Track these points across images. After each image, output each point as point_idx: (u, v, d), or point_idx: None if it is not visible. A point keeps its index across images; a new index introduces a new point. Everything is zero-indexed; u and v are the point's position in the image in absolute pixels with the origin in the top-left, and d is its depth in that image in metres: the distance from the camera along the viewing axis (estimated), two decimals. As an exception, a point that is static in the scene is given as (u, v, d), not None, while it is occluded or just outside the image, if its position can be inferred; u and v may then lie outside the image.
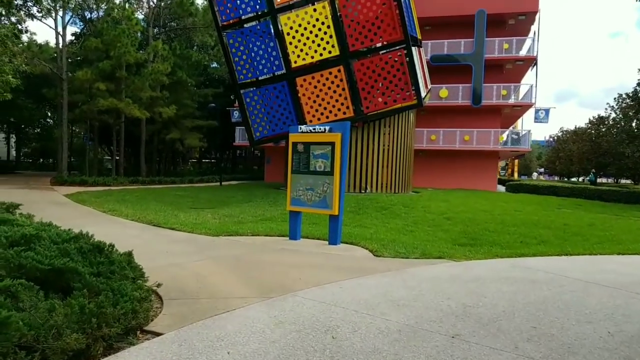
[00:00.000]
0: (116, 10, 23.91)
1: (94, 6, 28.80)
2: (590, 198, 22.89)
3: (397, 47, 17.84)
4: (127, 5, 27.02)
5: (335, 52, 18.09)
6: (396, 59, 17.90)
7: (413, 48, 18.01)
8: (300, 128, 8.79)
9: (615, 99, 45.42)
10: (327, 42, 18.11)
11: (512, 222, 13.07)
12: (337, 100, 18.45)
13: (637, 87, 32.51)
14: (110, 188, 21.11)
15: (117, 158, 30.42)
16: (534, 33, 30.70)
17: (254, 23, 19.32)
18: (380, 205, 15.21)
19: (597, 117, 49.91)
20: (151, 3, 32.59)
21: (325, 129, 8.48)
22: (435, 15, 29.07)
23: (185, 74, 30.87)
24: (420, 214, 14.02)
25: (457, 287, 5.30)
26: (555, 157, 61.62)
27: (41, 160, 53.38)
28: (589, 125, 53.24)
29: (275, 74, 19.24)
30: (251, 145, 21.61)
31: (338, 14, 18.07)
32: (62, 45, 23.85)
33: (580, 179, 69.38)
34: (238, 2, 18.80)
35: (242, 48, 19.12)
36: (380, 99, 18.31)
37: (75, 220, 10.76)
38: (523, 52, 30.59)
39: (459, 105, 29.34)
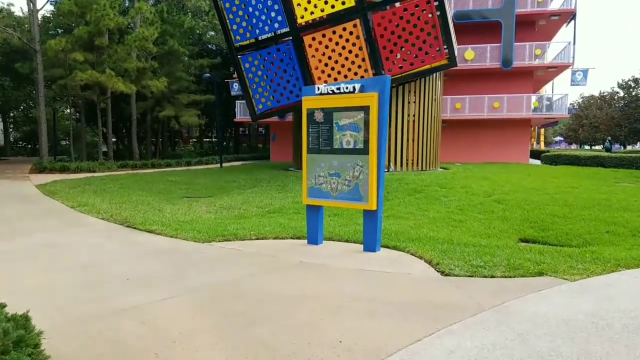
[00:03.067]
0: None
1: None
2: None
3: (424, -6, 15.14)
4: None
5: (350, 2, 15.43)
6: (424, 9, 15.21)
7: (442, -4, 15.30)
8: (318, 88, 6.40)
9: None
10: (340, -8, 15.44)
11: (578, 204, 10.70)
12: (353, 62, 15.88)
13: None
14: (93, 175, 18.88)
15: (105, 140, 28.10)
16: (570, -18, 27.59)
17: (250, -28, 16.62)
18: (412, 187, 12.85)
19: (630, 79, 46.61)
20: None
21: (355, 87, 6.07)
22: (456, -34, 26.04)
23: (177, 43, 28.21)
24: (462, 197, 11.67)
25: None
26: (577, 124, 58.58)
27: (32, 144, 51.34)
28: (620, 88, 50.02)
29: (278, 32, 16.65)
30: (253, 120, 19.18)
31: (352, -45, 15.34)
32: (33, 10, 21.26)
33: (596, 147, 66.33)
34: (231, -52, 16.09)
35: (237, 2, 16.49)
36: (405, 59, 15.70)
37: (28, 222, 8.53)
38: (556, 6, 27.57)
39: (486, 68, 26.53)
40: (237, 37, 16.97)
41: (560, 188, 13.33)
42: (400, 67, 15.66)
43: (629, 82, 46.54)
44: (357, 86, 6.07)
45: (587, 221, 9.13)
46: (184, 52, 29.29)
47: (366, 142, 5.98)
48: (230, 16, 16.73)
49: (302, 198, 6.85)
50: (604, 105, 55.51)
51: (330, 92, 6.26)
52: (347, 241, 6.81)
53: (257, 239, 6.99)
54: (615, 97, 53.83)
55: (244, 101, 22.89)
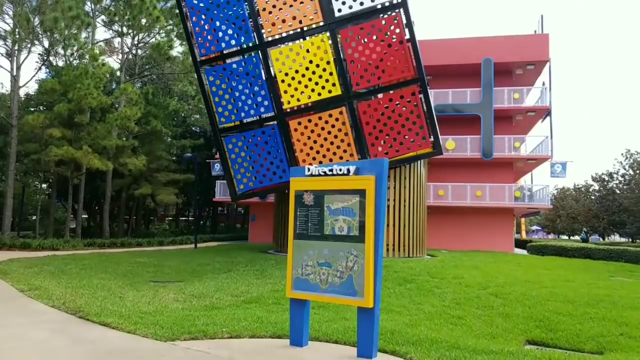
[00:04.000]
0: (80, 48, 21.31)
1: (62, 50, 26.36)
2: (634, 261, 20.06)
3: (411, 85, 15.42)
4: (95, 46, 24.62)
5: (337, 91, 15.57)
6: (409, 99, 15.41)
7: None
8: (309, 169, 5.85)
9: (623, 154, 44.13)
10: (327, 80, 15.61)
11: (580, 300, 10.02)
12: (338, 147, 15.70)
13: None
14: (55, 253, 17.54)
15: (75, 216, 26.84)
16: (543, 83, 29.15)
17: (238, 58, 16.87)
18: (402, 276, 12.03)
19: (605, 173, 48.21)
20: (125, 48, 30.44)
21: (349, 169, 5.54)
22: (437, 64, 27.34)
23: (160, 124, 28.16)
24: (456, 289, 10.89)
25: None
26: (554, 214, 59.59)
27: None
28: (594, 181, 51.59)
29: (263, 116, 16.57)
30: (233, 200, 18.52)
31: (340, 47, 15.74)
32: (15, 87, 21.04)
33: (574, 238, 67.24)
34: (220, 33, 16.38)
35: (223, 86, 16.50)
36: (391, 145, 15.60)
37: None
38: (531, 103, 28.87)
39: (468, 158, 26.97)
40: (222, 119, 16.80)
41: (556, 281, 12.70)
42: (386, 153, 15.49)
43: (603, 176, 48.09)
44: (352, 168, 5.54)
45: (595, 320, 8.41)
46: (167, 132, 29.21)
47: (362, 228, 5.33)
48: (217, 99, 16.67)
49: (284, 287, 6.03)
50: (580, 197, 57.02)
51: (322, 173, 5.71)
52: (336, 342, 5.91)
53: (230, 337, 6.01)
54: (590, 190, 55.47)
55: (225, 181, 22.39)
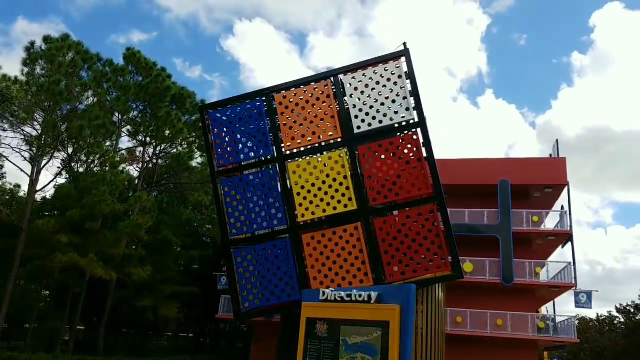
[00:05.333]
0: (102, 155, 21.91)
1: (84, 157, 27.19)
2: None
3: (429, 203, 15.03)
4: (117, 154, 25.38)
5: (353, 206, 15.11)
6: (427, 218, 14.88)
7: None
8: (324, 293, 5.15)
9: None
10: (343, 195, 15.26)
11: None
12: (352, 265, 14.77)
13: None
14: (40, 371, 16.14)
15: (71, 327, 25.37)
16: (562, 207, 28.65)
17: (255, 170, 16.89)
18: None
19: (630, 304, 45.56)
20: (147, 157, 31.39)
21: (370, 296, 4.84)
22: (453, 183, 27.40)
23: (171, 233, 27.85)
24: None
25: None
26: (576, 348, 55.33)
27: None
28: (619, 313, 48.63)
29: (276, 229, 16.07)
30: (236, 318, 17.16)
31: (358, 163, 15.72)
32: (31, 192, 21.26)
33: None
34: (240, 146, 16.56)
35: (238, 197, 16.21)
36: (408, 265, 14.75)
37: None
38: (551, 226, 28.19)
39: (486, 282, 25.64)
40: (234, 231, 16.25)
41: None
42: (403, 274, 14.51)
43: (628, 307, 45.34)
44: (374, 295, 4.85)
45: None
46: (177, 242, 28.78)
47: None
48: (230, 210, 16.32)
49: None
50: (605, 330, 53.34)
51: (339, 299, 5.01)
52: None
53: None
54: (615, 322, 52.06)
55: (229, 296, 21.25)
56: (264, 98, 17.29)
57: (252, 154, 16.44)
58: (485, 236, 26.56)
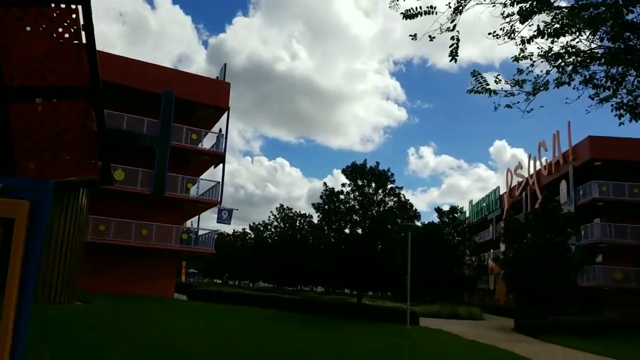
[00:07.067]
0: None
1: None
2: (283, 308, 22.76)
3: (81, 96, 13.31)
4: None
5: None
6: (79, 114, 13.20)
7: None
8: None
9: (277, 208, 51.49)
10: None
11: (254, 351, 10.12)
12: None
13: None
14: None
15: None
16: (220, 129, 30.76)
17: None
18: (50, 329, 9.51)
19: (260, 223, 54.66)
20: None
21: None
22: (115, 82, 25.26)
23: None
24: (121, 344, 9.28)
25: None
26: (211, 258, 63.87)
27: None
28: (251, 230, 57.89)
29: None
30: None
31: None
32: None
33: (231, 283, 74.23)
34: None
35: None
36: (48, 165, 12.87)
37: None
38: (207, 146, 30.04)
39: (137, 192, 25.48)
40: None
41: (230, 330, 12.68)
42: (41, 173, 12.64)
43: (259, 226, 54.46)
44: (-15, 180, 3.71)
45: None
46: None
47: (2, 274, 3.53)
48: None
49: None
50: (238, 243, 63.13)
51: None
52: None
53: None
54: (247, 237, 62.13)
55: None
56: None
57: None
58: (143, 145, 26.13)
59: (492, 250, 44.10)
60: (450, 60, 6.42)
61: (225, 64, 30.03)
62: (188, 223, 34.37)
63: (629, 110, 7.01)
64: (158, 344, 9.95)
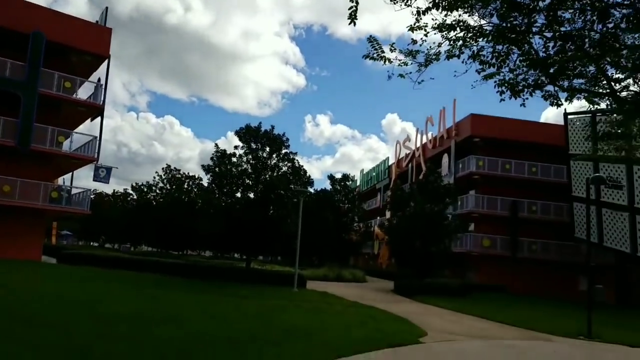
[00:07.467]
0: None
1: None
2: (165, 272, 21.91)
3: None
4: None
5: None
6: None
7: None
8: None
9: (163, 169, 48.74)
10: None
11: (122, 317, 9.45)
12: None
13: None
14: None
15: None
16: (99, 79, 27.89)
17: None
18: None
19: (143, 184, 51.51)
20: None
21: None
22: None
23: None
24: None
25: None
26: (86, 219, 59.48)
27: None
28: (134, 191, 54.39)
29: None
30: None
31: None
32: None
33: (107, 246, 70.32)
34: None
35: None
36: None
37: None
38: (84, 97, 27.22)
39: (-3, 144, 22.51)
40: None
41: (102, 297, 11.72)
42: None
43: (142, 187, 51.33)
44: None
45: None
46: None
47: None
48: None
49: None
50: (119, 204, 59.19)
51: None
52: None
53: None
54: (129, 198, 58.44)
55: None
56: None
57: None
58: (5, 91, 23.00)
59: (378, 218, 46.37)
60: (350, 24, 6.20)
61: (106, 7, 27.02)
62: (60, 180, 31.29)
63: (509, 88, 7.43)
64: (15, 313, 8.88)
